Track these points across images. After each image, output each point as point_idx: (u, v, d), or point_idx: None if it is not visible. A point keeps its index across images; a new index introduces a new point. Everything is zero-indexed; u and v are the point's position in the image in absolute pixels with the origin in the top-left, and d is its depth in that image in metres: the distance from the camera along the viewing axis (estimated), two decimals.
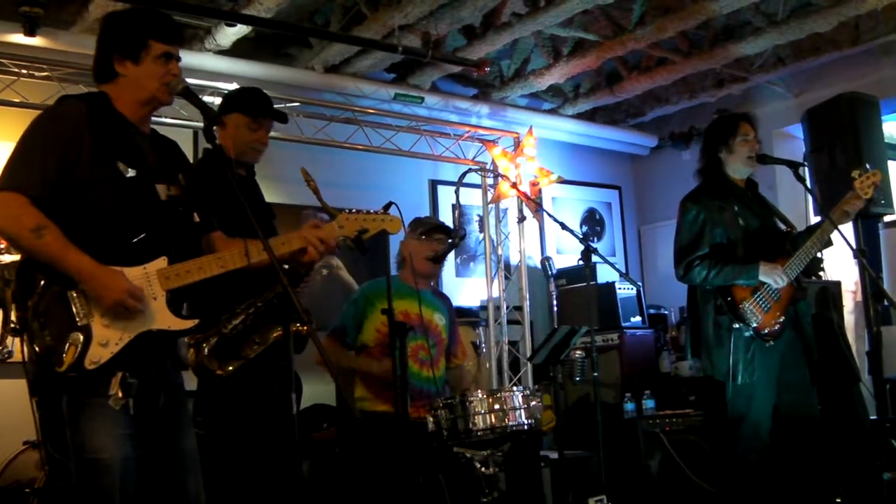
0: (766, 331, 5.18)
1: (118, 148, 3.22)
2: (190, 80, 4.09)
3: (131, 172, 3.21)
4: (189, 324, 3.23)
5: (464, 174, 6.45)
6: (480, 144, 8.45)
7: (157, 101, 3.37)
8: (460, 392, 5.38)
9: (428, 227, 5.39)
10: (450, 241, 5.48)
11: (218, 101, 6.29)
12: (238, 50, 7.06)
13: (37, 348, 3.02)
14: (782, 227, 5.49)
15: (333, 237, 3.53)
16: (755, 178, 5.60)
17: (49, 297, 3.03)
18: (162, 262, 3.19)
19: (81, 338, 3.01)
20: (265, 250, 3.05)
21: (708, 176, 5.53)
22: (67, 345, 2.99)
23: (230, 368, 3.95)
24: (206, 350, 3.89)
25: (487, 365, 7.94)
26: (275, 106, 4.66)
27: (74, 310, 3.03)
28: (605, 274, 8.12)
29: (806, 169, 5.84)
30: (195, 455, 3.39)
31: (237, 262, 3.27)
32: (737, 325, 5.21)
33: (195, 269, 3.23)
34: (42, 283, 3.04)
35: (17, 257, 6.31)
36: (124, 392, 3.03)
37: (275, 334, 3.96)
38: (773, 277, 5.17)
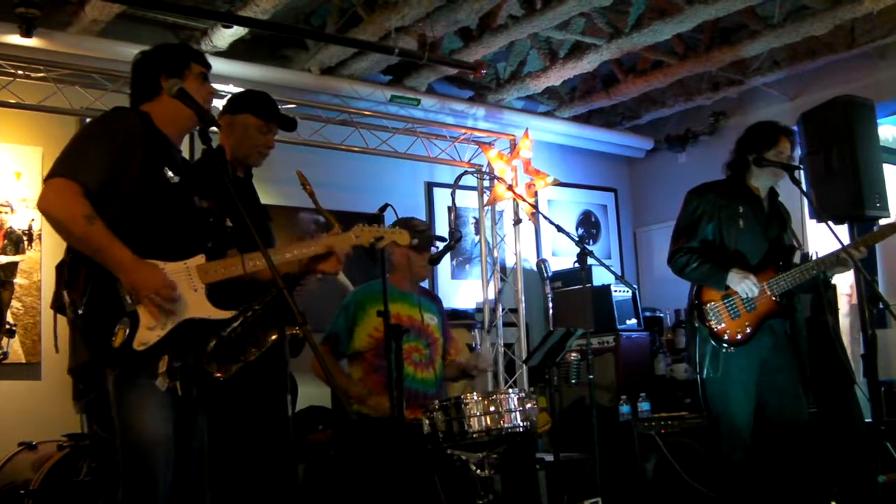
0: (726, 337, 5.21)
1: (163, 157, 3.48)
2: None
3: (175, 179, 3.48)
4: (227, 314, 3.46)
5: (460, 176, 6.44)
6: (476, 147, 8.46)
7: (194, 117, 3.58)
8: (460, 374, 5.43)
9: (424, 240, 5.39)
10: (446, 242, 5.48)
11: (214, 102, 6.29)
12: (234, 51, 7.06)
13: (89, 334, 3.19)
14: (793, 242, 5.50)
15: (351, 244, 3.81)
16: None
17: (100, 287, 3.22)
18: (201, 258, 3.45)
19: (129, 322, 3.21)
20: (264, 257, 3.16)
21: (729, 173, 5.54)
22: (118, 328, 3.19)
23: (228, 371, 3.96)
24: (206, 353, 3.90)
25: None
26: None
27: (123, 297, 3.23)
28: (600, 276, 8.14)
29: (801, 172, 5.84)
30: (205, 455, 3.58)
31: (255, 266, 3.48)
32: (696, 325, 5.27)
33: (232, 266, 3.47)
34: (91, 274, 3.23)
35: (12, 258, 6.32)
36: (170, 375, 3.25)
37: (272, 337, 3.96)
38: (743, 285, 5.18)
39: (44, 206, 3.26)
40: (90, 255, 3.22)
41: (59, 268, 3.36)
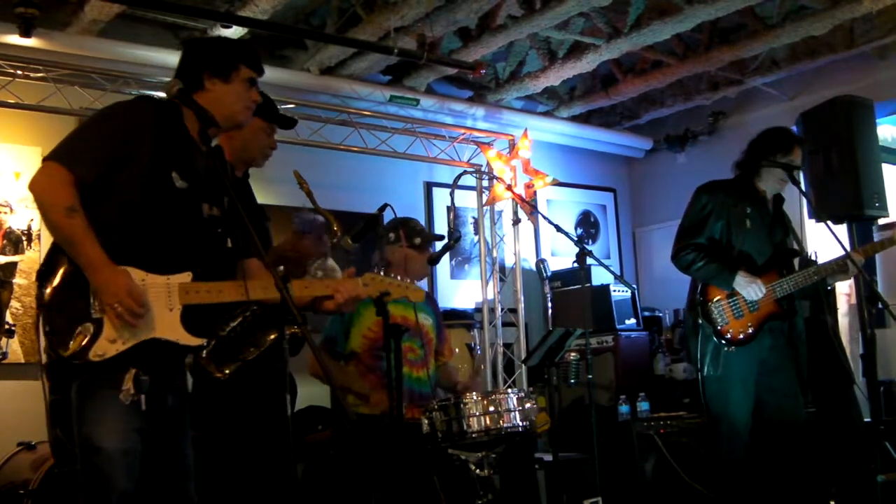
0: (729, 335, 5.23)
1: (176, 158, 3.31)
2: None
3: (182, 184, 3.29)
4: (197, 341, 3.26)
5: (459, 176, 6.45)
6: (475, 146, 8.46)
7: (233, 121, 3.51)
8: (451, 387, 5.41)
9: (426, 238, 5.39)
10: (445, 242, 5.49)
11: None
12: None
13: (48, 329, 3.07)
14: (794, 246, 5.51)
15: (358, 292, 3.54)
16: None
17: (71, 284, 3.09)
18: (186, 276, 3.24)
19: (92, 329, 3.06)
20: (272, 275, 3.04)
21: (738, 173, 5.54)
22: (77, 332, 3.04)
23: (227, 371, 3.96)
24: (204, 353, 3.90)
25: (482, 367, 7.94)
26: None
27: (92, 301, 3.08)
28: (599, 276, 8.14)
29: (800, 172, 5.85)
30: (193, 461, 3.44)
31: (256, 295, 3.31)
32: (700, 321, 5.27)
33: (215, 291, 3.28)
34: (67, 268, 3.11)
35: (12, 259, 6.32)
36: (136, 388, 3.08)
37: (271, 336, 3.97)
38: (749, 289, 5.20)
39: (32, 187, 3.15)
40: (64, 247, 3.11)
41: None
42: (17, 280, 6.33)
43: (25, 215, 6.39)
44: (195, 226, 3.35)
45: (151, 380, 3.13)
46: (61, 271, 3.12)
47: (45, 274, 3.16)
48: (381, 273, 3.62)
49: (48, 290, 3.11)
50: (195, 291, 3.24)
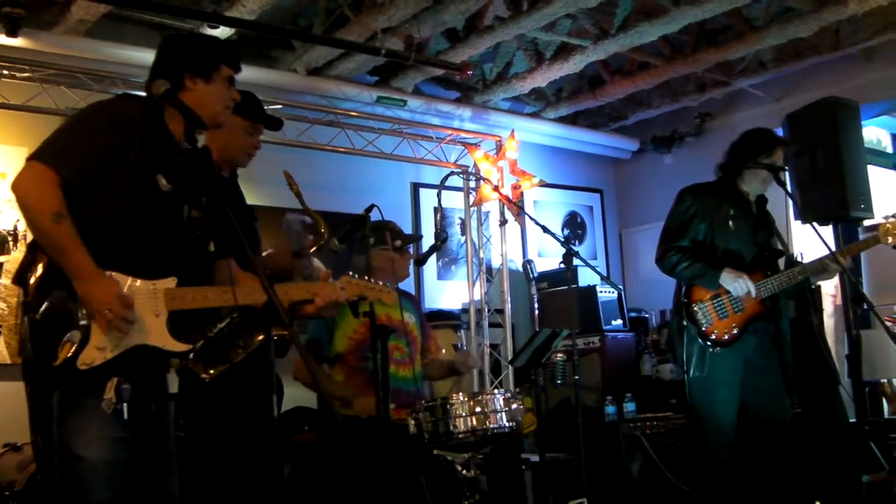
0: (713, 336, 5.24)
1: (161, 160, 3.25)
2: None
3: (167, 187, 3.24)
4: (183, 347, 3.22)
5: (446, 177, 6.46)
6: (462, 147, 8.47)
7: (214, 121, 3.45)
8: (446, 370, 5.44)
9: (405, 241, 5.40)
10: (433, 243, 5.50)
11: None
12: None
13: (33, 335, 3.00)
14: (778, 246, 5.52)
15: (337, 296, 3.50)
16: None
17: (55, 288, 3.00)
18: (171, 281, 3.19)
19: (79, 336, 2.99)
20: (259, 276, 3.00)
21: (721, 174, 5.55)
22: (64, 341, 2.97)
23: (214, 372, 3.95)
24: (191, 354, 3.89)
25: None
26: None
27: (79, 308, 3.00)
28: (586, 277, 8.15)
29: (786, 173, 5.88)
30: (175, 459, 3.41)
31: (244, 300, 3.26)
32: (685, 323, 5.29)
33: (200, 297, 3.24)
34: (49, 271, 3.02)
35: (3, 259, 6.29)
36: (118, 397, 3.02)
37: (258, 338, 3.96)
38: (736, 285, 5.21)
39: (16, 188, 3.02)
40: (50, 253, 2.99)
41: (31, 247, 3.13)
42: (3, 281, 6.32)
43: (11, 216, 6.37)
44: (178, 229, 3.31)
45: (134, 386, 3.07)
46: (43, 274, 3.03)
47: (25, 277, 3.07)
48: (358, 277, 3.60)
49: (31, 295, 3.02)
50: (181, 297, 3.19)
